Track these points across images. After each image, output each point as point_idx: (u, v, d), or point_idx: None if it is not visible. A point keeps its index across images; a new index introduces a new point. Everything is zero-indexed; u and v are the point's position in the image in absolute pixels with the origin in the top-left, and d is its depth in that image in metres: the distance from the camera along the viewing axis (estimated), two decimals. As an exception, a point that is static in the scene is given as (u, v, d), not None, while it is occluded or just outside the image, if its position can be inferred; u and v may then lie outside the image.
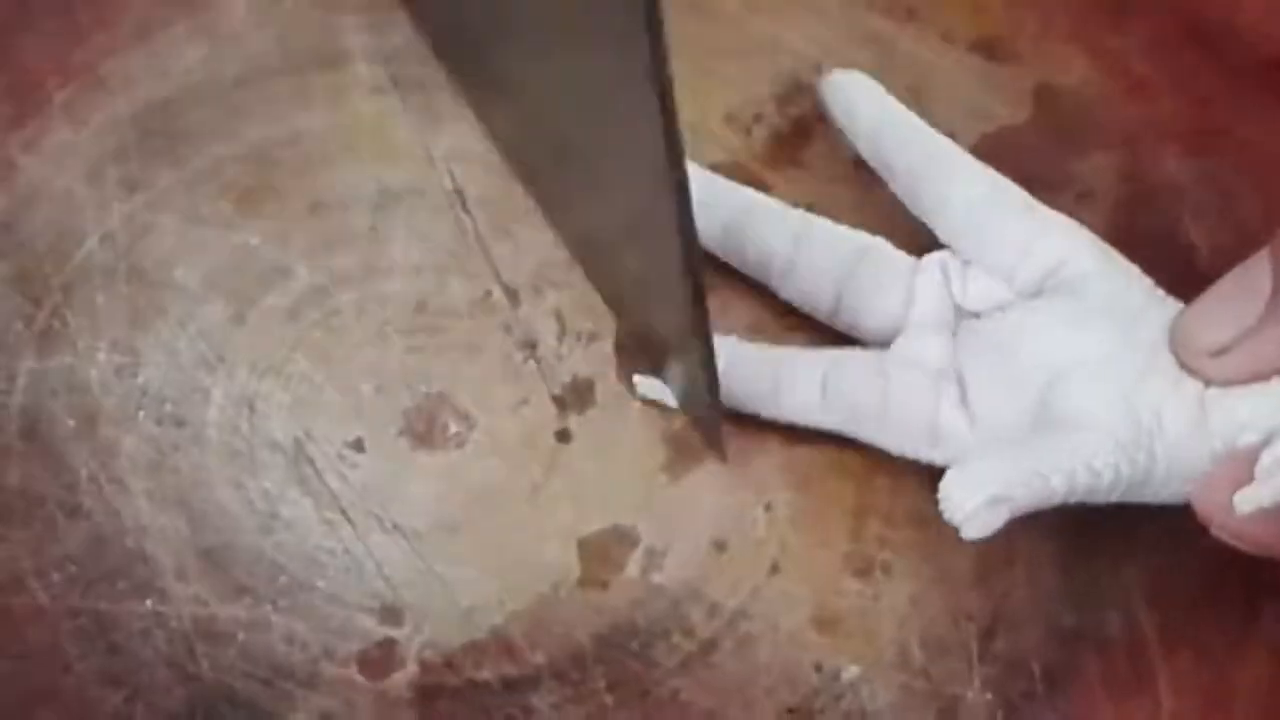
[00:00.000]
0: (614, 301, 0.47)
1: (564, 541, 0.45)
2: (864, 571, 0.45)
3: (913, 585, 0.45)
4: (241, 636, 0.43)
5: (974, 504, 0.41)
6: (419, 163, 0.50)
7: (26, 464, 0.45)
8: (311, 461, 0.45)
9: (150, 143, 0.49)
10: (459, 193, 0.49)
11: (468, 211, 0.49)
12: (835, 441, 0.46)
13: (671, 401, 0.46)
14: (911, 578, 0.45)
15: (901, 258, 0.47)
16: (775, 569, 0.45)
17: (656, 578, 0.44)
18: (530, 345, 0.47)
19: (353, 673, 0.43)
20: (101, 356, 0.46)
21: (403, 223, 0.49)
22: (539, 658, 0.43)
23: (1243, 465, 0.41)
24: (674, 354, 0.44)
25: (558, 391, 0.47)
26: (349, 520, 0.45)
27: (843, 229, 0.47)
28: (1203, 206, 0.51)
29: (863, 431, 0.45)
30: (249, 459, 0.45)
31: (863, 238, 0.47)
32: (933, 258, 0.47)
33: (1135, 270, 0.45)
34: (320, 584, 0.44)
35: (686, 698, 0.43)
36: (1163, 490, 0.43)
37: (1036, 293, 0.45)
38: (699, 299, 0.40)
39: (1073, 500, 0.42)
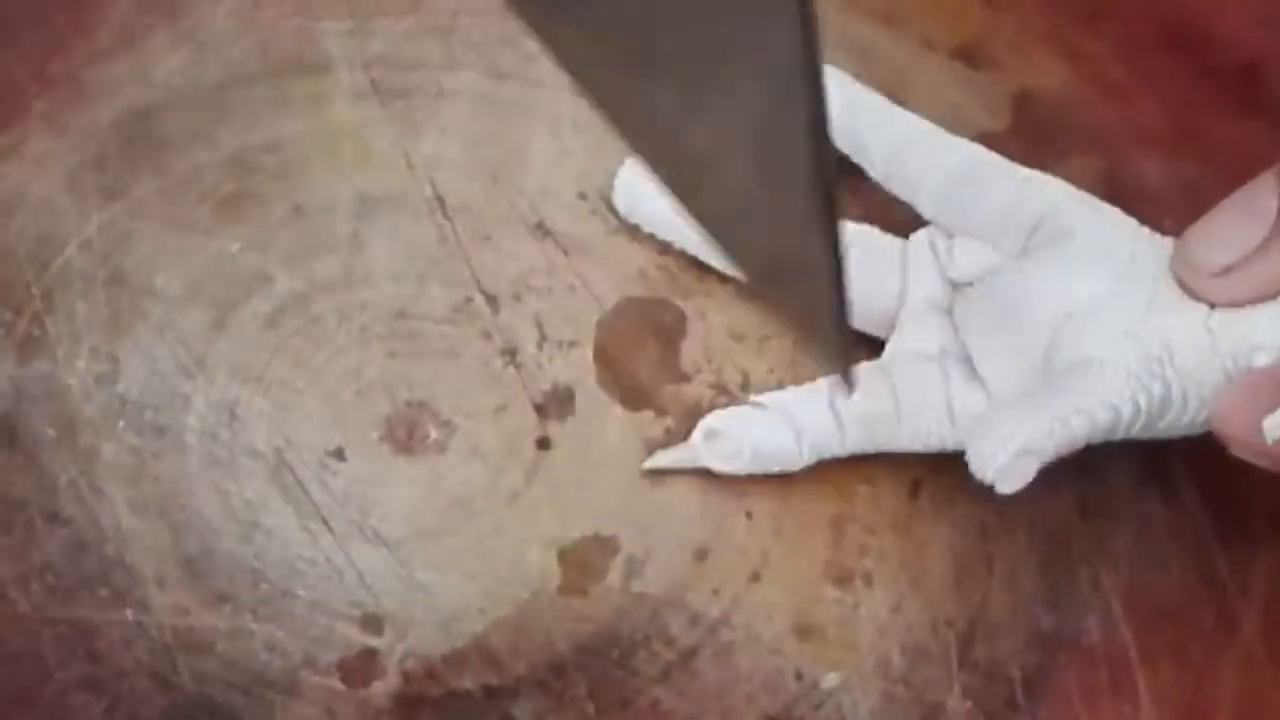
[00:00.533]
0: (712, 226, 0.45)
1: (544, 549, 0.45)
2: (844, 580, 0.45)
3: (893, 593, 0.45)
4: (222, 645, 0.43)
5: (1004, 459, 0.42)
6: (399, 169, 0.50)
7: (6, 471, 0.45)
8: (292, 469, 0.45)
9: (130, 150, 0.49)
10: (439, 199, 0.49)
11: (448, 218, 0.49)
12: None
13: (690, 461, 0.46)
14: (891, 586, 0.45)
15: (890, 241, 0.47)
16: (756, 577, 0.45)
17: (637, 586, 0.44)
18: (511, 352, 0.47)
19: (334, 681, 0.43)
20: (81, 364, 0.46)
21: (383, 229, 0.49)
22: (520, 666, 0.43)
23: (1262, 385, 0.41)
24: (789, 277, 0.42)
25: (538, 399, 0.47)
26: (329, 528, 0.45)
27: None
28: (1181, 210, 0.51)
29: (882, 439, 0.45)
30: (229, 466, 0.45)
31: (849, 228, 0.47)
32: (919, 235, 0.47)
33: (1119, 213, 0.45)
34: (301, 592, 0.44)
35: (667, 706, 0.43)
36: (1182, 419, 0.43)
37: (1025, 252, 0.45)
38: (829, 212, 0.38)
39: (1096, 440, 0.43)
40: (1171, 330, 0.42)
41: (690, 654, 0.44)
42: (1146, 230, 0.45)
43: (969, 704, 0.43)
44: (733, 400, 0.47)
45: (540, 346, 0.48)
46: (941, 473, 0.46)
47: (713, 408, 0.47)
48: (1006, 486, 0.42)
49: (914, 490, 0.46)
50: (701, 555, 0.45)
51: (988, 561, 0.45)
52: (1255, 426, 0.41)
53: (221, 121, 0.50)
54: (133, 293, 0.47)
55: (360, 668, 0.43)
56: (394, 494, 0.45)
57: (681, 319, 0.48)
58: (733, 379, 0.48)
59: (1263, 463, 0.41)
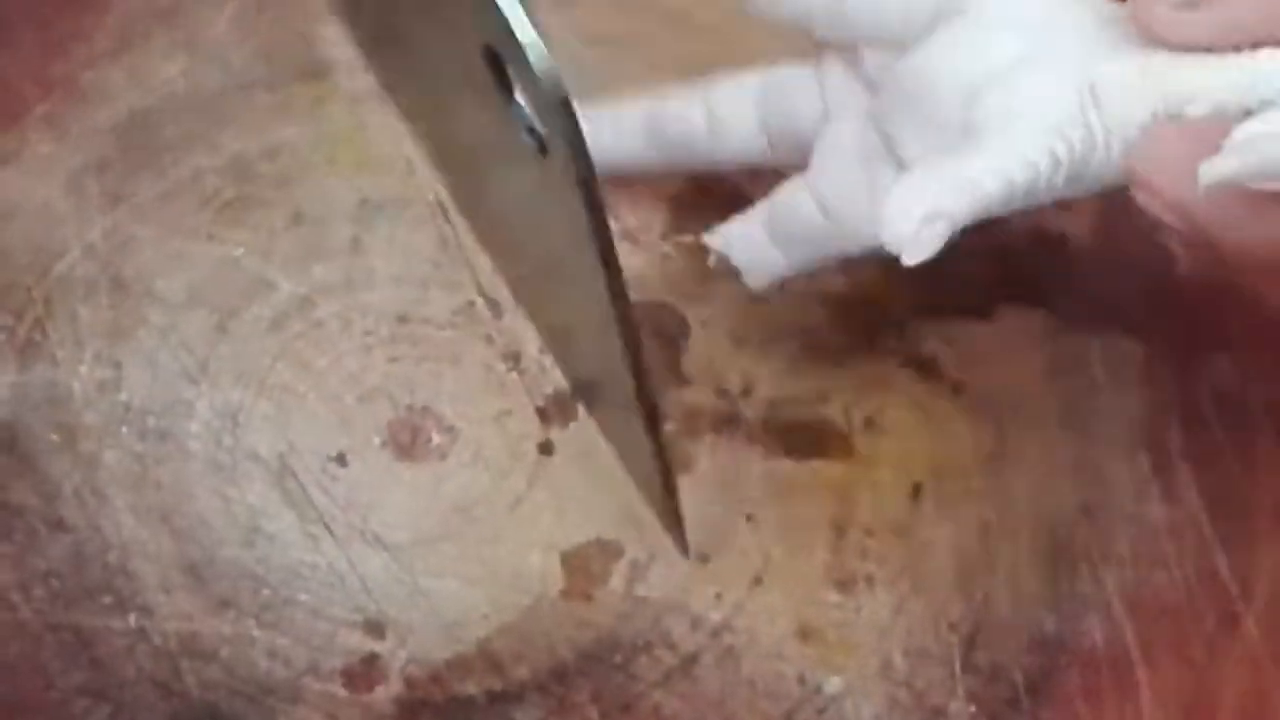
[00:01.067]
0: (564, 357, 0.47)
1: (547, 553, 0.45)
2: (846, 583, 0.45)
3: (894, 596, 0.45)
4: (225, 651, 0.43)
5: (910, 225, 0.38)
6: (400, 174, 0.50)
7: (7, 477, 0.45)
8: (294, 474, 0.45)
9: (131, 155, 0.49)
10: (441, 204, 0.49)
11: (449, 222, 0.49)
12: (817, 454, 0.46)
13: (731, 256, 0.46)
14: (893, 589, 0.45)
15: (802, 68, 0.46)
16: (758, 581, 0.45)
17: (640, 590, 0.44)
18: (513, 356, 0.47)
19: (336, 687, 0.43)
20: (83, 369, 0.46)
21: (385, 234, 0.49)
22: (522, 671, 0.43)
23: (1190, 134, 0.38)
24: (622, 432, 0.44)
25: (541, 403, 0.47)
26: (332, 533, 0.45)
27: (742, 75, 0.47)
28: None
29: (821, 249, 0.45)
30: (232, 472, 0.45)
31: (764, 71, 0.46)
32: (826, 50, 0.46)
33: None
34: (303, 598, 0.44)
35: (669, 711, 0.43)
36: (1108, 170, 0.40)
37: (930, 31, 0.43)
38: (653, 423, 0.40)
39: (1016, 203, 0.40)
40: (1100, 72, 0.40)
41: (692, 659, 0.44)
42: None
43: (972, 707, 0.44)
44: (734, 407, 0.47)
45: (542, 351, 0.48)
46: (943, 475, 0.46)
47: (715, 412, 0.47)
48: (913, 255, 0.39)
49: (915, 493, 0.46)
50: (703, 559, 0.45)
51: (989, 563, 0.45)
52: (1182, 175, 0.37)
53: (223, 126, 0.50)
54: (134, 298, 0.47)
55: (363, 673, 0.43)
56: (396, 499, 0.45)
57: (683, 324, 0.48)
58: (734, 383, 0.48)
59: (1171, 219, 0.38)
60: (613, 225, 0.49)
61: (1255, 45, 0.38)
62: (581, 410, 0.47)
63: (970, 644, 0.44)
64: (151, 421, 0.46)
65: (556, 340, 0.47)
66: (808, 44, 0.45)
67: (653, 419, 0.40)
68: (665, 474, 0.42)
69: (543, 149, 0.35)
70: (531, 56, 0.32)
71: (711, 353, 0.48)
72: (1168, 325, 0.49)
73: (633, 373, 0.38)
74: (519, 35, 0.32)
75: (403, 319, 0.48)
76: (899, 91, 0.43)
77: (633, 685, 0.43)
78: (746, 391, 0.47)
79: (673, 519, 0.44)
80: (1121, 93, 0.39)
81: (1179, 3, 0.38)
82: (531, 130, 0.36)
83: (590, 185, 0.34)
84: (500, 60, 0.35)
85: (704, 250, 0.47)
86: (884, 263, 0.39)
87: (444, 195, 0.49)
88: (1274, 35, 0.38)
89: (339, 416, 0.46)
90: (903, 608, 0.45)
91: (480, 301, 0.48)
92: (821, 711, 0.43)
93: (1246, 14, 0.38)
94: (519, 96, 0.36)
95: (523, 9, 0.33)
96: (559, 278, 0.41)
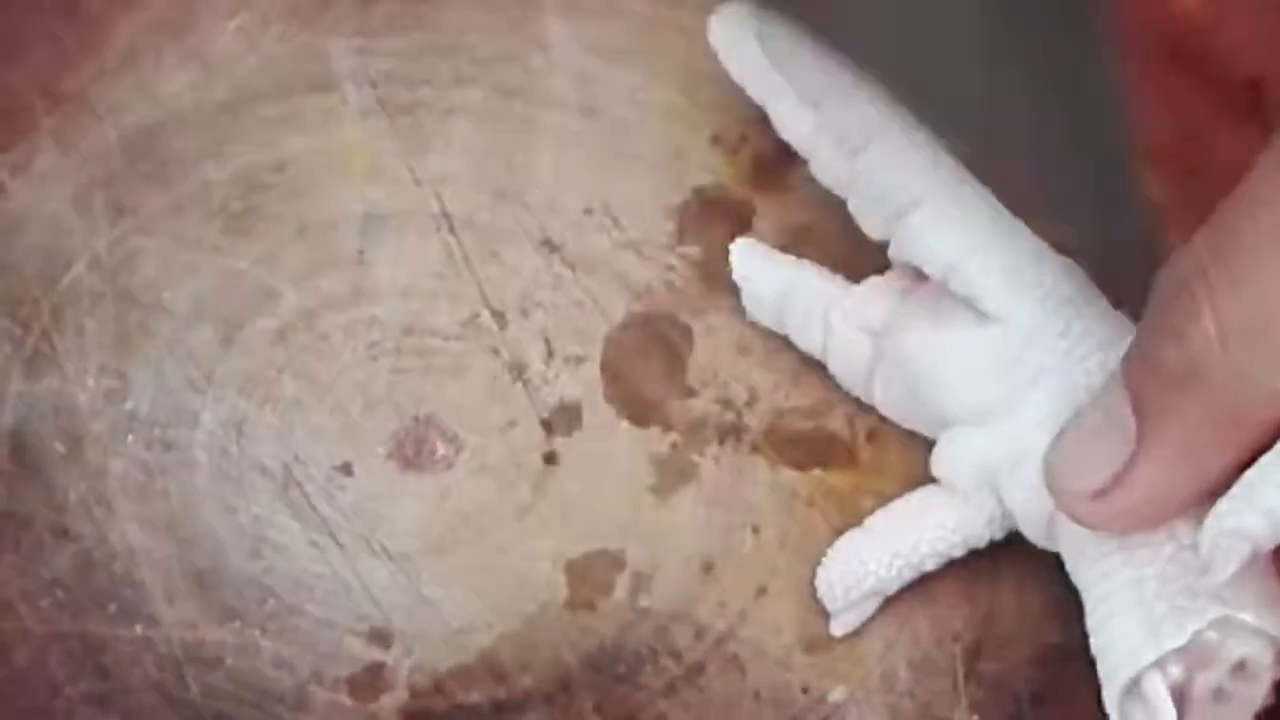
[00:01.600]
0: None
1: (552, 564, 0.45)
2: (851, 593, 0.45)
3: (899, 606, 0.45)
4: (230, 660, 0.43)
5: (848, 601, 0.44)
6: (406, 186, 0.50)
7: (14, 487, 0.45)
8: (300, 485, 0.46)
9: (138, 167, 0.50)
10: (446, 215, 0.50)
11: (455, 234, 0.49)
12: (821, 464, 0.46)
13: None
14: (897, 599, 0.45)
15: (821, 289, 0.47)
16: (762, 591, 0.45)
17: (644, 600, 0.45)
18: (518, 368, 0.48)
19: (342, 696, 0.43)
20: (90, 380, 0.47)
21: (390, 246, 0.49)
22: (527, 681, 0.43)
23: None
24: None
25: (545, 414, 0.47)
26: (337, 543, 0.45)
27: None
28: (1184, 225, 0.51)
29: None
30: (238, 482, 0.46)
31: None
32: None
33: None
34: (309, 607, 0.44)
35: (674, 720, 0.43)
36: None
37: (936, 310, 0.44)
38: None
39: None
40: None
41: (697, 668, 0.44)
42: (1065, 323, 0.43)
43: (975, 717, 0.44)
44: (738, 417, 0.47)
45: (547, 362, 0.48)
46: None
47: (719, 422, 0.47)
48: (841, 629, 0.44)
49: (920, 504, 0.46)
50: (708, 569, 0.45)
51: (994, 575, 0.45)
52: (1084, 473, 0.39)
53: (229, 139, 0.50)
54: (141, 309, 0.48)
55: (368, 682, 0.43)
56: (402, 509, 0.45)
57: (688, 334, 0.48)
58: (739, 394, 0.48)
59: (1081, 514, 0.39)
60: (616, 237, 0.49)
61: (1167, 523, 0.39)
62: (586, 420, 0.47)
63: (975, 654, 0.44)
64: (157, 432, 0.46)
65: None
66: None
67: None
68: None
69: None
70: None
71: (716, 363, 0.48)
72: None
73: None
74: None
75: (408, 331, 0.48)
76: (892, 369, 0.45)
77: (637, 695, 0.43)
78: (751, 402, 0.48)
79: None
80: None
81: (1090, 494, 0.39)
82: None
83: None
84: None
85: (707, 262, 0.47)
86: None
87: (449, 207, 0.50)
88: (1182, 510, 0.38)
89: (344, 427, 0.47)
90: (907, 618, 0.45)
91: (485, 313, 0.48)
92: (826, 721, 0.43)
93: (1147, 497, 0.38)
94: None
95: None
96: None
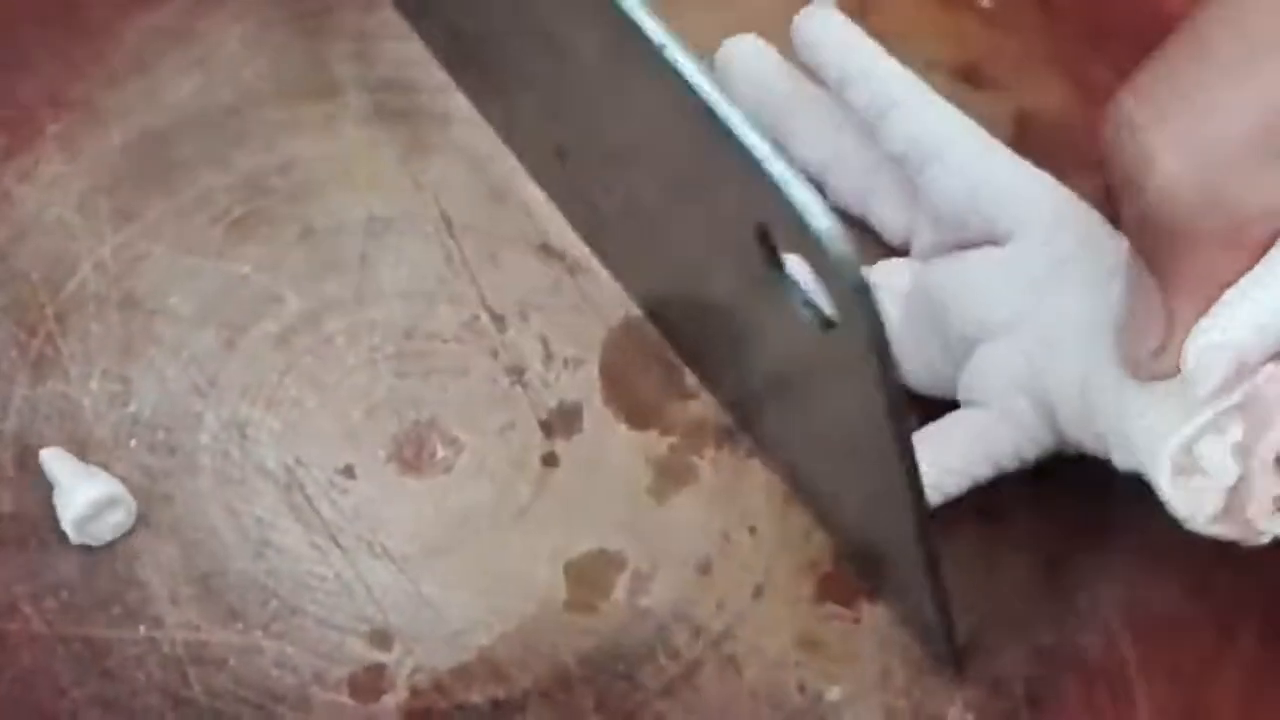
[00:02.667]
0: (825, 512, 0.47)
1: (551, 564, 0.46)
2: (846, 594, 0.45)
3: (893, 607, 0.45)
4: (233, 661, 0.44)
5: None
6: (407, 190, 0.51)
7: (20, 490, 0.46)
8: (302, 487, 0.46)
9: (142, 173, 0.50)
10: (446, 220, 0.50)
11: (454, 238, 0.50)
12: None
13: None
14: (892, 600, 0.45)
15: None
16: (759, 592, 0.45)
17: (643, 600, 0.45)
18: (517, 370, 0.48)
19: (343, 696, 0.43)
20: (94, 384, 0.47)
21: (391, 250, 0.50)
22: (526, 680, 0.44)
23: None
24: (895, 579, 0.45)
25: (544, 416, 0.47)
26: (339, 545, 0.45)
27: None
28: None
29: None
30: (240, 485, 0.46)
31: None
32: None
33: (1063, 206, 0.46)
34: (311, 609, 0.44)
35: (672, 719, 0.43)
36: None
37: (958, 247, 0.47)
38: (933, 565, 0.40)
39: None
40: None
41: (695, 668, 0.44)
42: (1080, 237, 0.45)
43: (970, 716, 0.44)
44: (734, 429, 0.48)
45: (546, 365, 0.48)
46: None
47: (717, 426, 0.47)
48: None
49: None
50: (706, 570, 0.46)
51: (988, 576, 0.46)
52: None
53: (232, 145, 0.51)
54: (145, 314, 0.48)
55: (369, 682, 0.43)
56: (402, 511, 0.46)
57: (685, 338, 0.49)
58: (737, 396, 0.48)
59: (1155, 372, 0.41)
60: (616, 241, 0.50)
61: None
62: (585, 422, 0.47)
63: (969, 655, 0.45)
64: (161, 435, 0.46)
65: (793, 468, 0.47)
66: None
67: (940, 594, 0.41)
68: (949, 632, 0.43)
69: (825, 324, 0.36)
70: (828, 245, 0.32)
71: (713, 367, 0.48)
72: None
73: (922, 547, 0.39)
74: (813, 222, 0.32)
75: (409, 334, 0.48)
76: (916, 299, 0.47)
77: (635, 694, 0.44)
78: (748, 405, 0.48)
79: (951, 660, 0.44)
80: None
81: (1151, 353, 0.40)
82: (808, 303, 0.36)
83: (887, 365, 0.34)
84: (770, 237, 0.36)
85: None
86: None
87: (449, 211, 0.50)
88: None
89: (346, 430, 0.47)
90: (902, 619, 0.45)
91: (485, 316, 0.49)
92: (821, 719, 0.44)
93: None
94: (792, 272, 0.36)
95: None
96: (837, 447, 0.42)
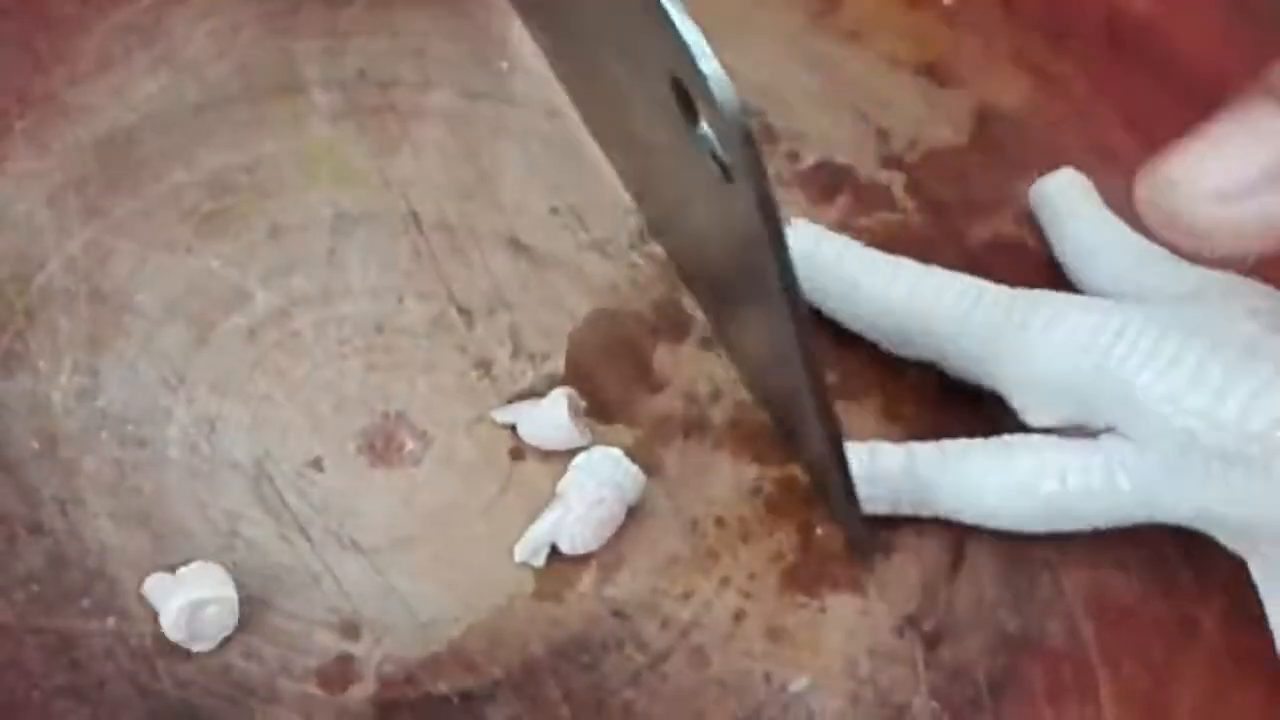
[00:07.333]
0: (752, 382, 0.48)
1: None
2: (812, 584, 0.46)
3: (860, 596, 0.46)
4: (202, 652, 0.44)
5: None
6: (375, 187, 0.51)
7: (-12, 485, 0.46)
8: (271, 480, 0.46)
9: (111, 169, 0.50)
10: (415, 216, 0.50)
11: (423, 234, 0.50)
12: (786, 458, 0.47)
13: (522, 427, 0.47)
14: (858, 589, 0.46)
15: None
16: (726, 582, 0.46)
17: (609, 591, 0.45)
18: (485, 365, 0.48)
19: (312, 687, 0.43)
20: (63, 378, 0.47)
21: (360, 246, 0.50)
22: (495, 671, 0.44)
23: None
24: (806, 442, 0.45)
25: (512, 410, 0.48)
26: (308, 537, 0.45)
27: None
28: (1142, 225, 0.52)
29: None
30: (209, 478, 0.46)
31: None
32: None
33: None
34: (279, 600, 0.44)
35: (640, 709, 0.44)
36: None
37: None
38: (836, 443, 0.41)
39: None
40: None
41: (662, 657, 0.44)
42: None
43: (935, 704, 0.44)
44: (703, 412, 0.48)
45: (513, 359, 0.48)
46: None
47: (684, 419, 0.48)
48: None
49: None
50: (673, 561, 0.46)
51: (953, 565, 0.46)
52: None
53: (201, 141, 0.51)
54: (114, 309, 0.48)
55: (338, 673, 0.44)
56: (371, 504, 0.46)
57: (652, 331, 0.49)
58: (704, 390, 0.48)
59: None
60: (581, 236, 0.50)
61: None
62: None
63: (934, 643, 0.45)
64: (130, 429, 0.47)
65: (745, 365, 0.47)
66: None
67: (835, 439, 0.41)
68: (848, 488, 0.43)
69: (727, 176, 0.36)
70: (714, 88, 0.32)
71: (680, 359, 0.49)
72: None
73: (813, 393, 0.39)
74: (702, 67, 0.32)
75: (378, 329, 0.49)
76: None
77: (604, 683, 0.44)
78: (715, 397, 0.48)
79: (858, 528, 0.45)
80: None
81: (1213, 193, 0.35)
82: (715, 157, 0.36)
83: (771, 212, 0.34)
84: (685, 89, 0.36)
85: (670, 259, 0.48)
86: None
87: (417, 208, 0.50)
88: None
89: (315, 424, 0.47)
90: (867, 608, 0.46)
91: (453, 311, 0.49)
92: (787, 708, 0.44)
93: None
94: (704, 124, 0.36)
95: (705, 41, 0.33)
96: (744, 301, 0.42)
